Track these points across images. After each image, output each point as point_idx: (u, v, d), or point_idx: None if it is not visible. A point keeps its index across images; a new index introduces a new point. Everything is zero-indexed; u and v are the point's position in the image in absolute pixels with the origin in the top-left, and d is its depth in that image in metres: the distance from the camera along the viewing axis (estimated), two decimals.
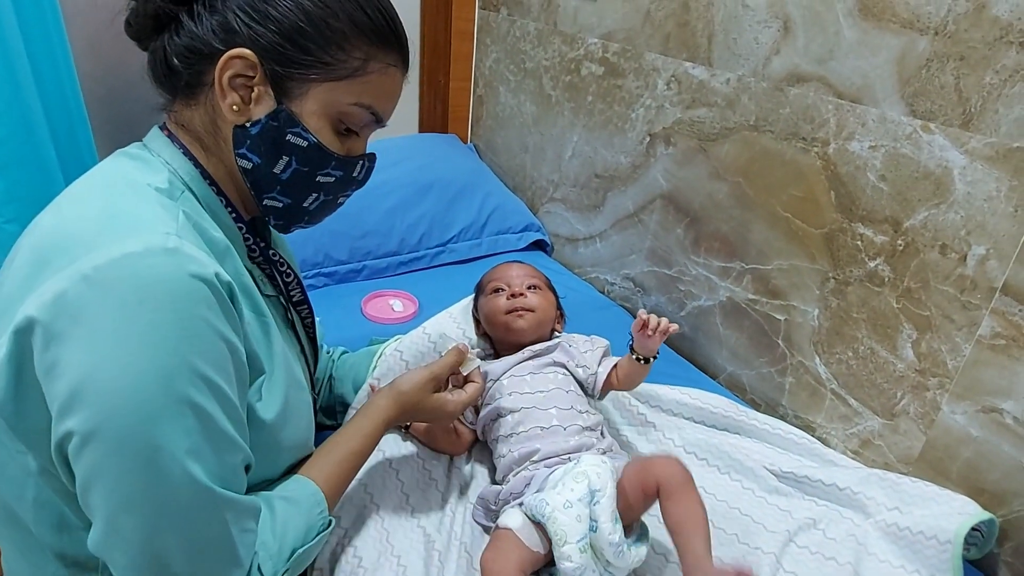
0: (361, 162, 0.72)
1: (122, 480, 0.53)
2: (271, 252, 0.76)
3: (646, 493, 0.77)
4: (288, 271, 0.80)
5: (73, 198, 0.62)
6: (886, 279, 0.95)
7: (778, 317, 1.11)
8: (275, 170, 0.66)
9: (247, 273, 0.69)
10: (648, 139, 1.28)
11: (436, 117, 1.84)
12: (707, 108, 1.15)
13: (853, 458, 1.02)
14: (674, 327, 0.89)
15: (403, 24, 0.70)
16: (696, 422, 1.07)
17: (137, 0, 0.65)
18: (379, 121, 0.71)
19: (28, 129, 1.06)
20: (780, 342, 1.12)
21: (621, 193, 1.38)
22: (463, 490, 0.93)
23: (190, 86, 0.66)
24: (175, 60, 0.64)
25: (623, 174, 1.37)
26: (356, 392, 1.00)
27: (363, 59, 0.66)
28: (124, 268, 0.53)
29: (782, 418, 1.10)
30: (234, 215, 0.69)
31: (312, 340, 0.87)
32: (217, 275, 0.57)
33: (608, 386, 0.96)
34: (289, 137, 0.65)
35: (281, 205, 0.69)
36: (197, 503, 0.56)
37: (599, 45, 1.35)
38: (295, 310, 0.81)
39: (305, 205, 0.71)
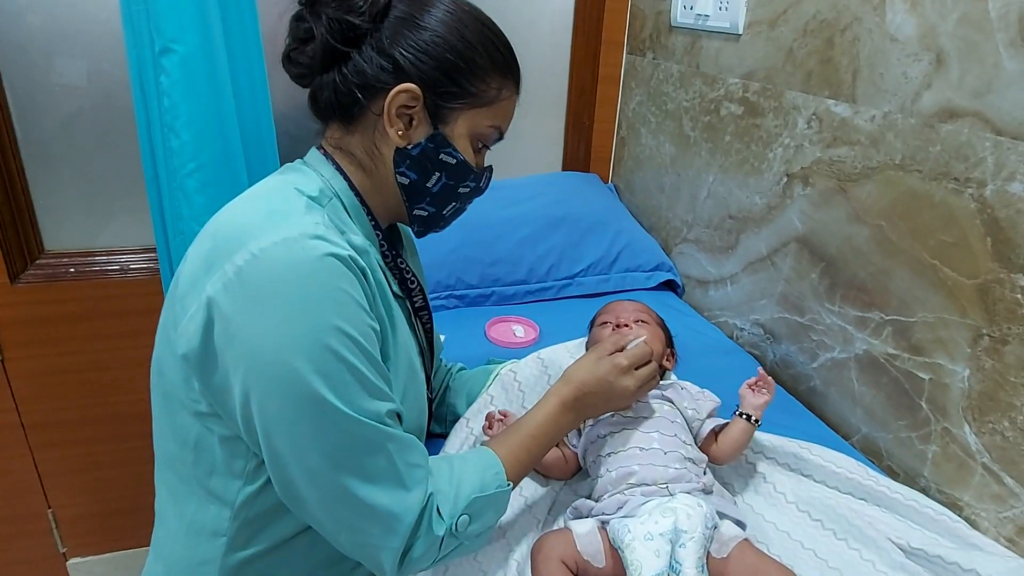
0: (486, 173, 0.83)
1: (295, 427, 0.63)
2: (400, 260, 0.85)
3: None
4: (413, 279, 0.88)
5: (245, 200, 0.73)
6: None
7: (921, 376, 1.00)
8: (428, 184, 0.77)
9: (380, 271, 0.77)
10: (785, 179, 1.23)
11: (579, 157, 1.90)
12: (848, 147, 1.08)
13: (1007, 546, 0.88)
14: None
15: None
16: (816, 480, 0.99)
17: (300, 39, 0.73)
18: (502, 138, 0.82)
19: (228, 155, 1.26)
20: (923, 404, 1.00)
21: (754, 235, 1.33)
22: (553, 510, 0.94)
23: (354, 115, 0.75)
24: (356, 93, 0.72)
25: (757, 215, 1.32)
26: (468, 406, 1.06)
27: (498, 88, 0.76)
28: (281, 249, 0.63)
29: (923, 491, 0.98)
30: (373, 223, 0.79)
31: (430, 345, 0.95)
32: (352, 258, 0.66)
33: (708, 447, 0.94)
34: (442, 156, 0.75)
35: (427, 214, 0.81)
36: (360, 437, 0.65)
37: (739, 85, 1.33)
38: (416, 315, 0.89)
39: (444, 213, 0.82)
